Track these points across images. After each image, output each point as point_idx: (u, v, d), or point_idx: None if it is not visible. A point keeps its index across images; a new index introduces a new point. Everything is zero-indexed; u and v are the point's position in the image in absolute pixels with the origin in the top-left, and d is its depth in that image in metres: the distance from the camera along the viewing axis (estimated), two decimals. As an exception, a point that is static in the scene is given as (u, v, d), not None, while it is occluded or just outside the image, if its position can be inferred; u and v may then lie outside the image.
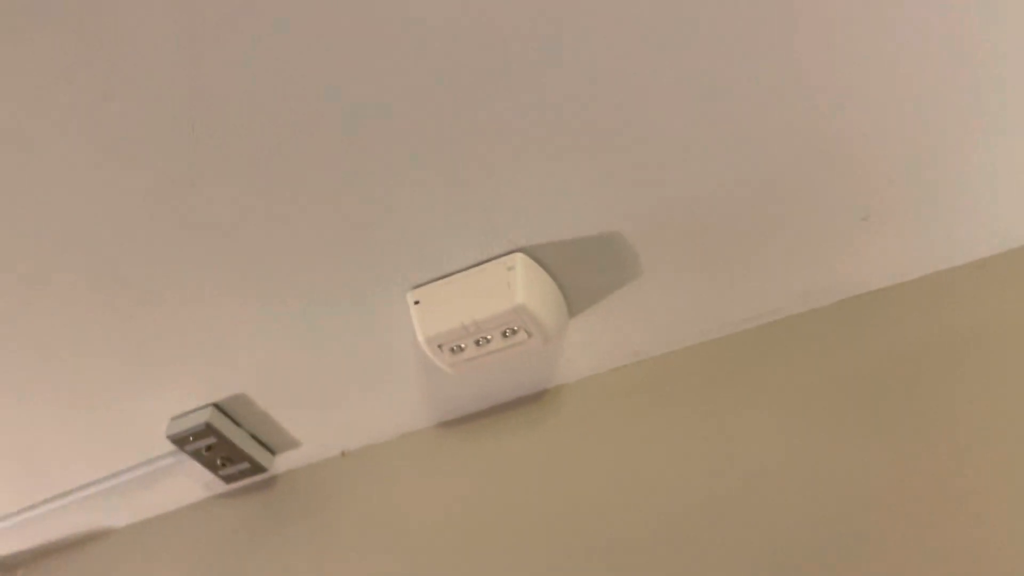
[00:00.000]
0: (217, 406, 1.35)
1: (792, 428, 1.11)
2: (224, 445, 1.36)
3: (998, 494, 0.94)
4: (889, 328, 1.10)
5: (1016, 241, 1.07)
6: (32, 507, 1.52)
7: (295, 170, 1.03)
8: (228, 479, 1.43)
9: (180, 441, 1.35)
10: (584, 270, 1.12)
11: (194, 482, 1.48)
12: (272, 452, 1.43)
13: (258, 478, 1.46)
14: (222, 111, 0.97)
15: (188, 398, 1.34)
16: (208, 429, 1.33)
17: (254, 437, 1.40)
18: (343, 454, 1.43)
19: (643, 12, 0.88)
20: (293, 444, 1.42)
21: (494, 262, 1.10)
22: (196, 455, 1.37)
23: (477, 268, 1.11)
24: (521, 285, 1.08)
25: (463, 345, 1.13)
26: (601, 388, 1.25)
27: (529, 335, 1.11)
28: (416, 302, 1.14)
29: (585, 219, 1.06)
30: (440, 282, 1.13)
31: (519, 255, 1.09)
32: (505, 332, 1.11)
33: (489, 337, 1.11)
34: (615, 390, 1.24)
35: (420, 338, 1.13)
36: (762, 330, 1.17)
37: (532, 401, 1.30)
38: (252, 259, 1.13)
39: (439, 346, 1.13)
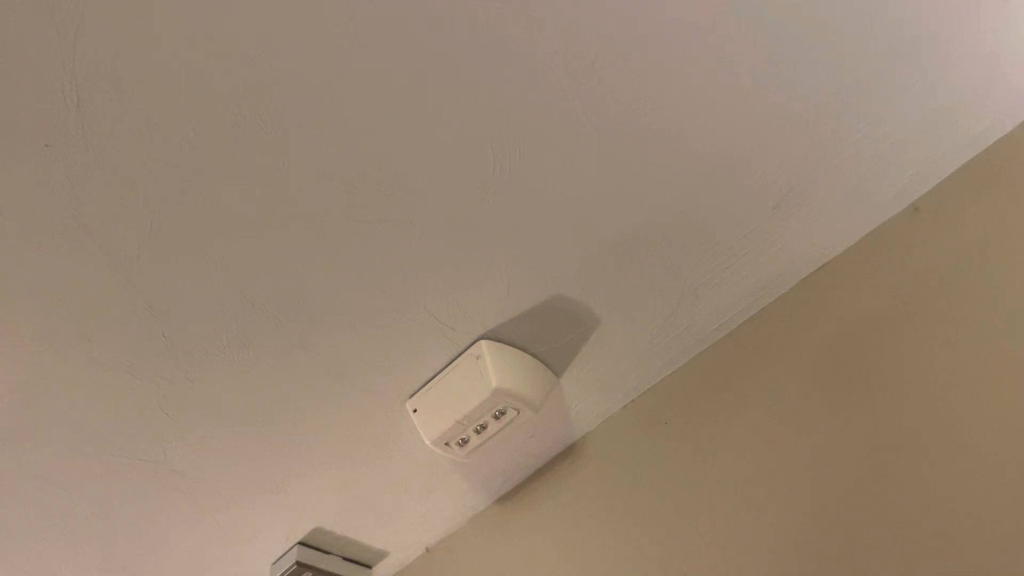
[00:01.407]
0: (303, 543, 1.47)
1: (787, 410, 1.11)
2: (320, 574, 1.48)
3: (947, 450, 0.91)
4: (839, 299, 1.09)
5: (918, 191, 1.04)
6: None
7: (279, 353, 1.14)
8: (340, 603, 1.55)
9: (284, 583, 1.48)
10: (549, 334, 1.16)
11: (317, 611, 1.61)
12: (368, 567, 1.54)
13: (364, 593, 1.58)
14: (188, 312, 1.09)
15: (277, 546, 1.48)
16: (300, 566, 1.45)
17: (346, 559, 1.52)
18: (427, 550, 1.52)
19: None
20: (381, 555, 1.52)
21: (463, 356, 1.17)
22: (303, 591, 1.50)
23: (452, 365, 1.18)
24: (492, 369, 1.14)
25: (466, 437, 1.19)
26: (620, 425, 1.28)
27: (517, 411, 1.16)
28: (414, 410, 1.22)
29: (526, 292, 1.11)
30: (428, 386, 1.21)
31: (483, 342, 1.15)
32: (495, 415, 1.16)
33: (484, 424, 1.18)
34: (632, 423, 1.27)
35: (426, 442, 1.20)
36: (740, 330, 1.17)
37: (566, 456, 1.35)
38: (274, 423, 1.24)
39: (446, 444, 1.20)
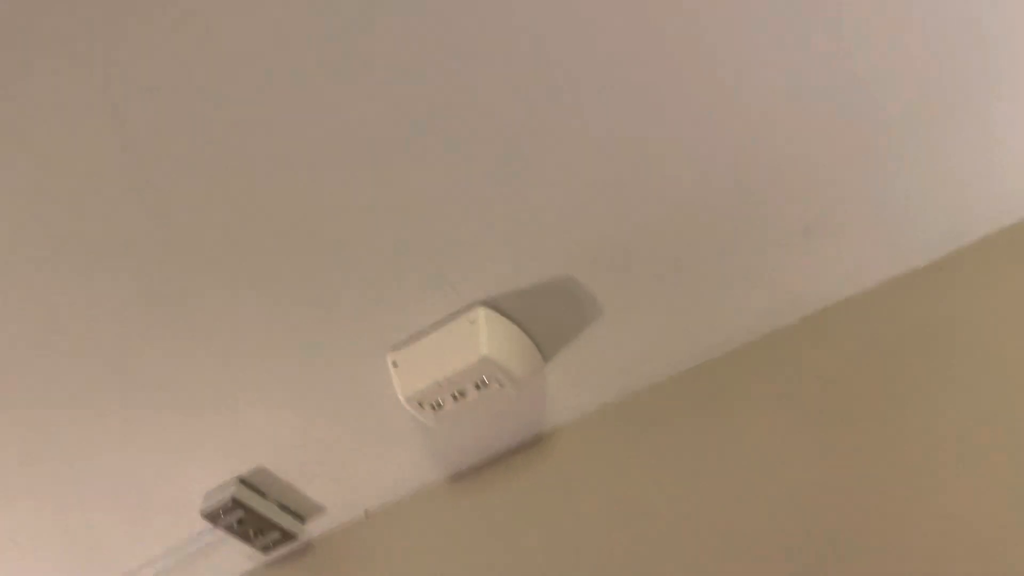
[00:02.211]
0: (242, 480, 1.42)
1: (776, 442, 1.10)
2: (253, 517, 1.43)
3: (963, 490, 0.91)
4: (851, 337, 1.09)
5: (961, 240, 1.04)
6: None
7: (270, 261, 1.10)
8: (264, 549, 1.50)
9: (212, 517, 1.42)
10: (547, 315, 1.14)
11: (236, 556, 1.55)
12: (301, 519, 1.50)
13: (293, 545, 1.52)
14: (198, 211, 1.05)
15: (214, 477, 1.43)
16: (235, 503, 1.40)
17: (281, 506, 1.47)
18: (366, 514, 1.48)
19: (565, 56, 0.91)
20: (318, 509, 1.48)
21: (458, 318, 1.14)
22: (229, 529, 1.45)
23: (447, 325, 1.15)
24: (485, 337, 1.11)
25: (441, 401, 1.16)
26: (592, 426, 1.27)
27: (501, 385, 1.14)
28: (395, 364, 1.19)
29: (537, 267, 1.09)
30: (414, 343, 1.18)
31: (481, 308, 1.13)
32: (478, 384, 1.14)
33: (463, 391, 1.15)
34: (606, 426, 1.25)
35: (400, 398, 1.17)
36: (734, 354, 1.16)
37: (531, 445, 1.32)
38: (246, 345, 1.21)
39: (419, 404, 1.17)
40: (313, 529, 1.51)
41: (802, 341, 1.11)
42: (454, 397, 1.16)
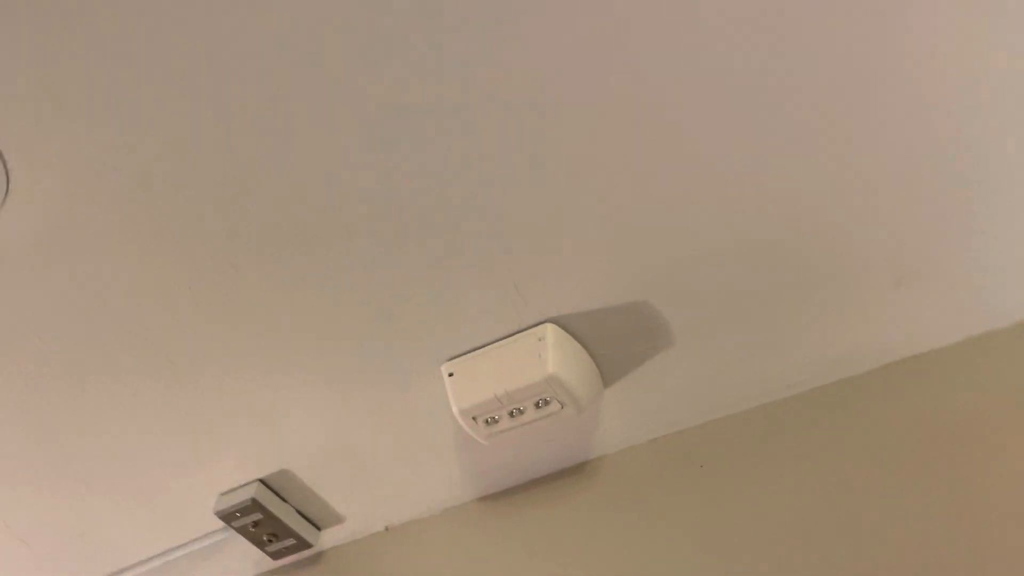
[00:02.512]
0: (263, 482, 1.37)
1: (831, 498, 1.08)
2: (270, 521, 1.38)
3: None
4: (925, 396, 1.07)
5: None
6: (86, 586, 1.56)
7: (330, 254, 1.07)
8: (275, 555, 1.44)
9: (228, 517, 1.37)
10: (616, 340, 1.12)
11: (243, 560, 1.49)
12: (318, 528, 1.44)
13: (305, 554, 1.47)
14: (260, 200, 1.02)
15: (234, 475, 1.37)
16: (254, 504, 1.35)
17: (300, 513, 1.42)
18: (387, 529, 1.43)
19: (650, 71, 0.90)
20: (338, 520, 1.43)
21: (525, 333, 1.11)
22: (243, 531, 1.39)
23: (509, 339, 1.13)
24: (552, 355, 1.09)
25: (497, 417, 1.13)
26: (640, 459, 1.24)
27: (562, 405, 1.11)
28: (450, 374, 1.15)
29: (612, 289, 1.07)
30: (473, 354, 1.15)
31: (550, 325, 1.10)
32: (538, 403, 1.11)
33: (522, 408, 1.12)
34: (654, 461, 1.22)
35: (454, 410, 1.14)
36: (799, 399, 1.14)
37: (572, 473, 1.29)
38: (292, 340, 1.17)
39: (473, 418, 1.14)
40: (328, 539, 1.46)
41: (874, 392, 1.09)
42: (511, 414, 1.12)
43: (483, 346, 1.14)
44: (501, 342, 1.13)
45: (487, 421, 1.14)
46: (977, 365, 1.04)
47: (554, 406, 1.11)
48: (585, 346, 1.13)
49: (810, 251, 1.01)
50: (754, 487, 1.13)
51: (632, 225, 1.01)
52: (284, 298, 1.13)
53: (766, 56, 0.87)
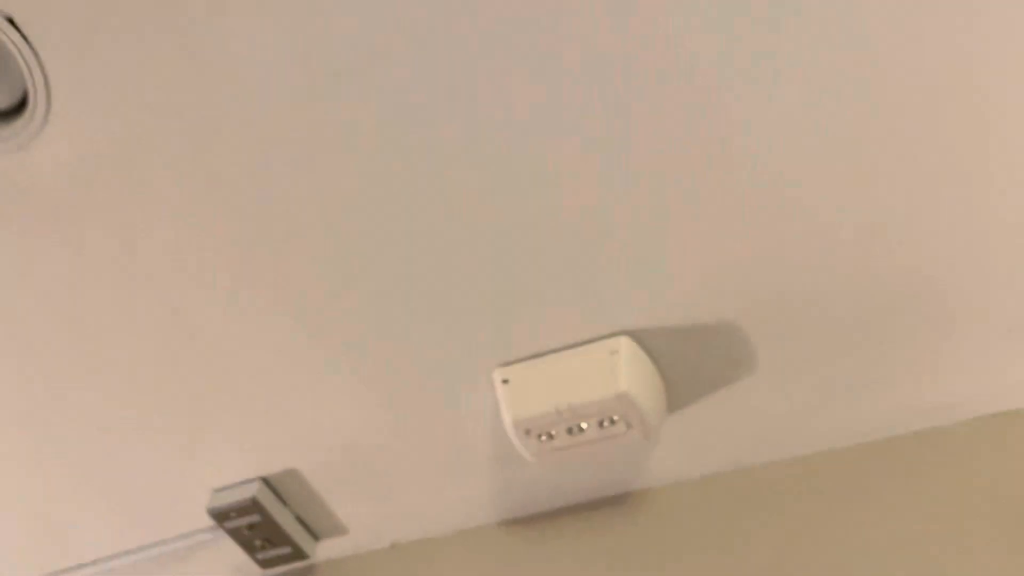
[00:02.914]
0: (266, 481, 1.24)
1: (903, 555, 1.00)
2: (268, 525, 1.24)
3: None
4: (1014, 453, 1.01)
5: None
6: (49, 577, 1.40)
7: (385, 232, 0.98)
8: (265, 564, 1.30)
9: (221, 516, 1.23)
10: (691, 361, 1.03)
11: (224, 566, 1.35)
12: (315, 538, 1.31)
13: (297, 566, 1.33)
14: (321, 172, 0.93)
15: (233, 469, 1.24)
16: (254, 505, 1.22)
17: (299, 519, 1.29)
18: (393, 546, 1.31)
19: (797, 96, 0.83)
20: (340, 531, 1.30)
21: (597, 344, 1.02)
22: (235, 533, 1.26)
23: (577, 349, 1.03)
24: (626, 371, 1.00)
25: (554, 432, 1.03)
26: (691, 497, 1.14)
27: (628, 427, 1.01)
28: (505, 381, 1.05)
29: (701, 308, 0.99)
30: (533, 361, 1.05)
31: (624, 338, 1.01)
32: (602, 422, 1.01)
33: (584, 426, 1.02)
34: (707, 500, 1.13)
35: (507, 420, 1.03)
36: (876, 446, 1.06)
37: (610, 504, 1.19)
38: (323, 321, 1.06)
39: (526, 431, 1.03)
40: (326, 552, 1.33)
41: (960, 445, 1.02)
42: (570, 431, 1.03)
43: (545, 353, 1.05)
44: (567, 351, 1.04)
45: (541, 436, 1.03)
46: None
47: (619, 427, 1.01)
48: (657, 365, 1.04)
49: (920, 296, 0.94)
50: (818, 537, 1.05)
51: (737, 250, 0.93)
52: (325, 276, 1.02)
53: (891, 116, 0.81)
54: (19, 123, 0.91)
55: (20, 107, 0.91)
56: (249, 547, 1.27)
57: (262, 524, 1.24)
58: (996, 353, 0.98)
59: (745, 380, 1.04)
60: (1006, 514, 0.97)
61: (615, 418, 1.00)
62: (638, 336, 1.01)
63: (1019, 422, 1.00)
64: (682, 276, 0.97)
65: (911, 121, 0.84)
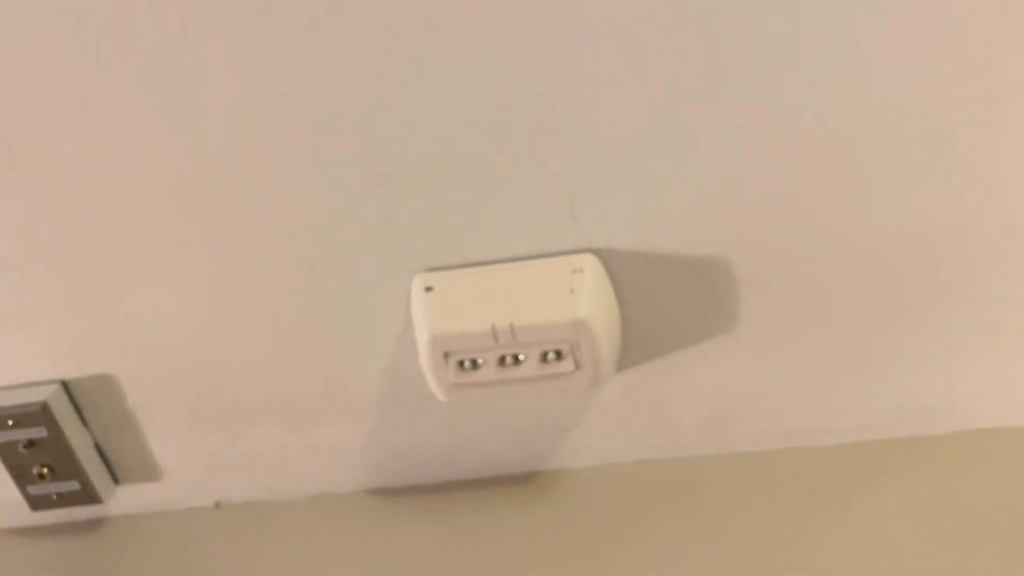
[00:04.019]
0: (65, 385, 0.93)
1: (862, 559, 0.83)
2: (56, 447, 0.92)
3: None
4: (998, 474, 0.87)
5: None
6: None
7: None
8: (38, 502, 0.97)
9: (-10, 424, 0.91)
10: (659, 303, 0.83)
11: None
12: (116, 480, 1.00)
13: (81, 513, 1.01)
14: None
15: (24, 365, 0.92)
16: (43, 414, 0.90)
17: (99, 449, 0.97)
18: (217, 506, 1.02)
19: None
20: (151, 474, 0.99)
21: (557, 258, 0.80)
22: (5, 451, 0.93)
23: (529, 262, 0.81)
24: (588, 296, 0.78)
25: (481, 361, 0.80)
26: (624, 481, 0.93)
27: (577, 366, 0.79)
28: (428, 288, 0.81)
29: (688, 232, 0.79)
30: (469, 270, 0.82)
31: (591, 257, 0.80)
32: (547, 354, 0.79)
33: (522, 357, 0.79)
34: (644, 486, 0.92)
35: (424, 337, 0.79)
36: (858, 447, 0.90)
37: (521, 482, 0.95)
38: (190, 172, 0.79)
39: (446, 354, 0.80)
40: (125, 500, 1.01)
41: (938, 455, 0.87)
42: (502, 361, 0.80)
43: (488, 262, 0.82)
44: (515, 263, 0.82)
45: (464, 363, 0.80)
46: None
47: (566, 364, 0.79)
48: (620, 300, 0.83)
49: (950, 273, 0.80)
50: (767, 540, 0.86)
51: (743, 177, 0.75)
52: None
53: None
54: None
55: None
56: (22, 473, 0.94)
57: (48, 443, 0.92)
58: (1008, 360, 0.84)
59: (718, 341, 0.85)
60: (976, 536, 0.83)
61: (562, 351, 0.79)
62: (608, 258, 0.81)
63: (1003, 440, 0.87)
64: (675, 194, 0.77)
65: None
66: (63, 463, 0.94)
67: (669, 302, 0.83)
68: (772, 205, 0.78)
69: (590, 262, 0.80)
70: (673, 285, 0.82)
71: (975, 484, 0.86)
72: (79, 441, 0.94)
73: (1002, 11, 0.67)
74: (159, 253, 0.83)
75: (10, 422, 0.91)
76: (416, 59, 0.71)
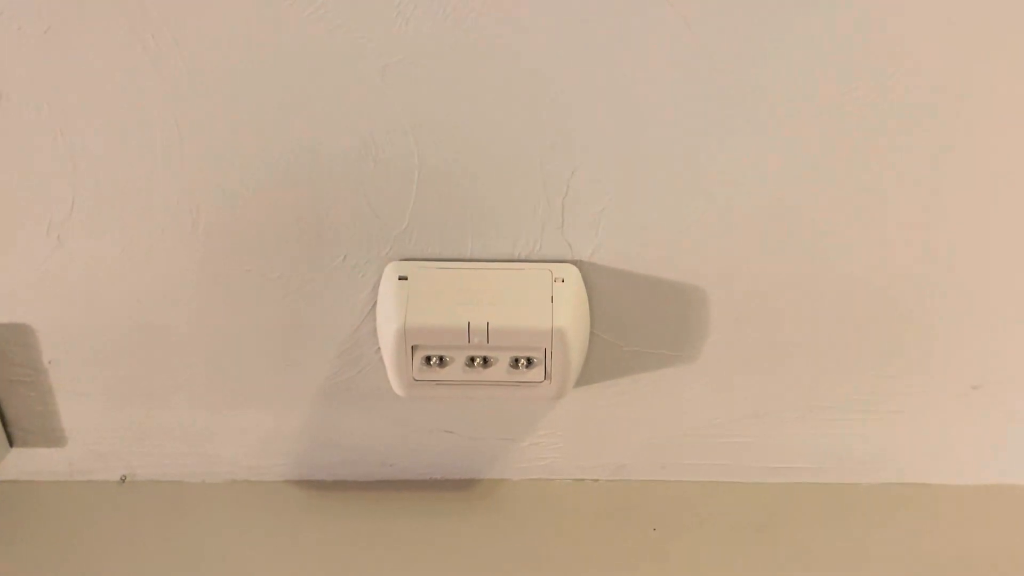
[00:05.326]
0: (-27, 334, 0.84)
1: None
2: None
3: None
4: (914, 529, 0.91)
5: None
6: None
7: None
8: (-82, 457, 0.87)
9: None
10: (633, 324, 0.83)
11: None
12: (11, 441, 0.91)
13: (-34, 475, 0.91)
14: None
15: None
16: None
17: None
18: (123, 480, 0.94)
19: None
20: (53, 439, 0.91)
21: (540, 265, 0.79)
22: None
23: (509, 264, 0.79)
24: (568, 306, 0.77)
25: (449, 358, 0.77)
26: (554, 498, 0.92)
27: (545, 376, 0.78)
28: (402, 278, 0.78)
29: (671, 255, 0.79)
30: (446, 264, 0.79)
31: (573, 268, 0.79)
32: (517, 361, 0.77)
33: (493, 359, 0.77)
34: (581, 507, 0.91)
35: (393, 327, 0.76)
36: (791, 488, 0.92)
37: (450, 489, 0.93)
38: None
39: (414, 347, 0.77)
40: (20, 464, 0.92)
41: (862, 504, 0.91)
42: (471, 362, 0.77)
43: (467, 259, 0.80)
44: (498, 264, 0.79)
45: (432, 360, 0.77)
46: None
47: (535, 373, 0.78)
48: (592, 315, 0.83)
49: (898, 333, 0.83)
50: (690, 571, 0.87)
51: (734, 219, 0.77)
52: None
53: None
54: None
55: None
56: (-96, 422, 0.84)
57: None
58: (960, 411, 0.88)
59: (677, 370, 0.85)
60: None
61: (534, 359, 0.77)
62: (586, 271, 0.80)
63: (938, 497, 0.91)
64: (665, 218, 0.77)
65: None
66: (-46, 417, 0.85)
67: (638, 324, 0.83)
68: (752, 247, 0.79)
69: (572, 273, 0.79)
70: (645, 308, 0.82)
71: (891, 536, 0.89)
72: (-27, 401, 0.85)
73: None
74: (104, 202, 0.76)
75: (-98, 364, 0.81)
76: (420, 45, 0.69)
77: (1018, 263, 0.80)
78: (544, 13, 0.67)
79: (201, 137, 0.73)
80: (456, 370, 0.78)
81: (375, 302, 0.81)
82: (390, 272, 0.79)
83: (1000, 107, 0.71)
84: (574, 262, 0.79)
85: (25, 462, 0.92)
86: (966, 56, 0.69)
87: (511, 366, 0.78)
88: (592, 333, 0.83)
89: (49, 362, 0.86)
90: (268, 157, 0.74)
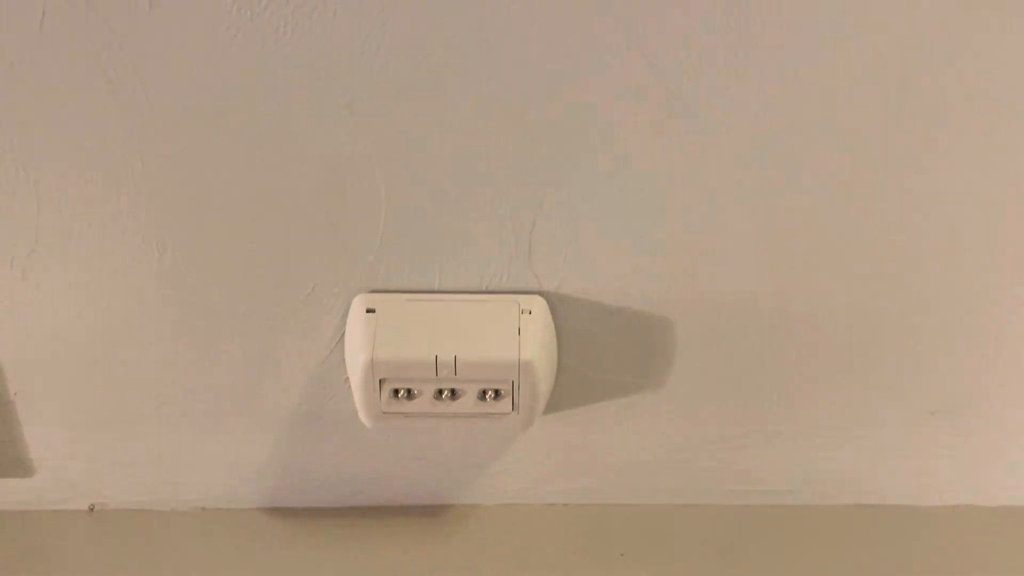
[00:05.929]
0: (-63, 365, 0.83)
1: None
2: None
3: None
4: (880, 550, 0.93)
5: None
6: None
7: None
8: None
9: None
10: (600, 353, 0.84)
11: None
12: (-20, 474, 0.90)
13: (-69, 507, 0.91)
14: None
15: None
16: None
17: (-35, 439, 0.88)
18: (91, 510, 0.94)
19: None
20: (21, 469, 0.90)
21: (507, 297, 0.80)
22: None
23: (479, 296, 0.80)
24: (535, 338, 0.78)
25: (417, 391, 0.78)
26: (538, 525, 0.93)
27: (513, 407, 0.79)
28: (370, 311, 0.79)
29: (639, 284, 0.80)
30: (416, 296, 0.80)
31: (540, 299, 0.80)
32: (485, 393, 0.78)
33: (461, 392, 0.78)
34: (550, 531, 0.92)
35: (360, 359, 0.76)
36: (762, 510, 0.94)
37: (423, 515, 0.93)
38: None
39: (382, 380, 0.77)
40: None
41: (829, 525, 0.92)
42: (439, 395, 0.78)
43: (435, 291, 0.80)
44: (465, 295, 0.80)
45: (400, 393, 0.78)
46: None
47: (502, 404, 0.78)
48: (560, 345, 0.83)
49: (862, 360, 0.85)
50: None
51: (701, 251, 0.78)
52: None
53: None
54: None
55: None
56: None
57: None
58: (927, 435, 0.90)
59: (645, 397, 0.86)
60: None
61: (502, 391, 0.78)
62: (553, 302, 0.81)
63: (916, 520, 0.93)
64: (632, 250, 0.78)
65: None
66: (-79, 449, 0.84)
67: (606, 353, 0.84)
68: (716, 277, 0.80)
69: (539, 304, 0.80)
70: (613, 337, 0.83)
71: (856, 557, 0.91)
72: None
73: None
74: (68, 237, 0.76)
75: None
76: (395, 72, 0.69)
77: (971, 297, 0.81)
78: (512, 46, 0.67)
79: (166, 171, 0.73)
80: (424, 402, 0.78)
81: (343, 333, 0.81)
82: (357, 305, 0.79)
83: (955, 130, 0.72)
84: (541, 293, 0.80)
85: (-9, 493, 0.91)
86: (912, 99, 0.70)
87: (479, 398, 0.78)
88: (560, 362, 0.84)
89: (15, 393, 0.85)
90: (234, 190, 0.74)
